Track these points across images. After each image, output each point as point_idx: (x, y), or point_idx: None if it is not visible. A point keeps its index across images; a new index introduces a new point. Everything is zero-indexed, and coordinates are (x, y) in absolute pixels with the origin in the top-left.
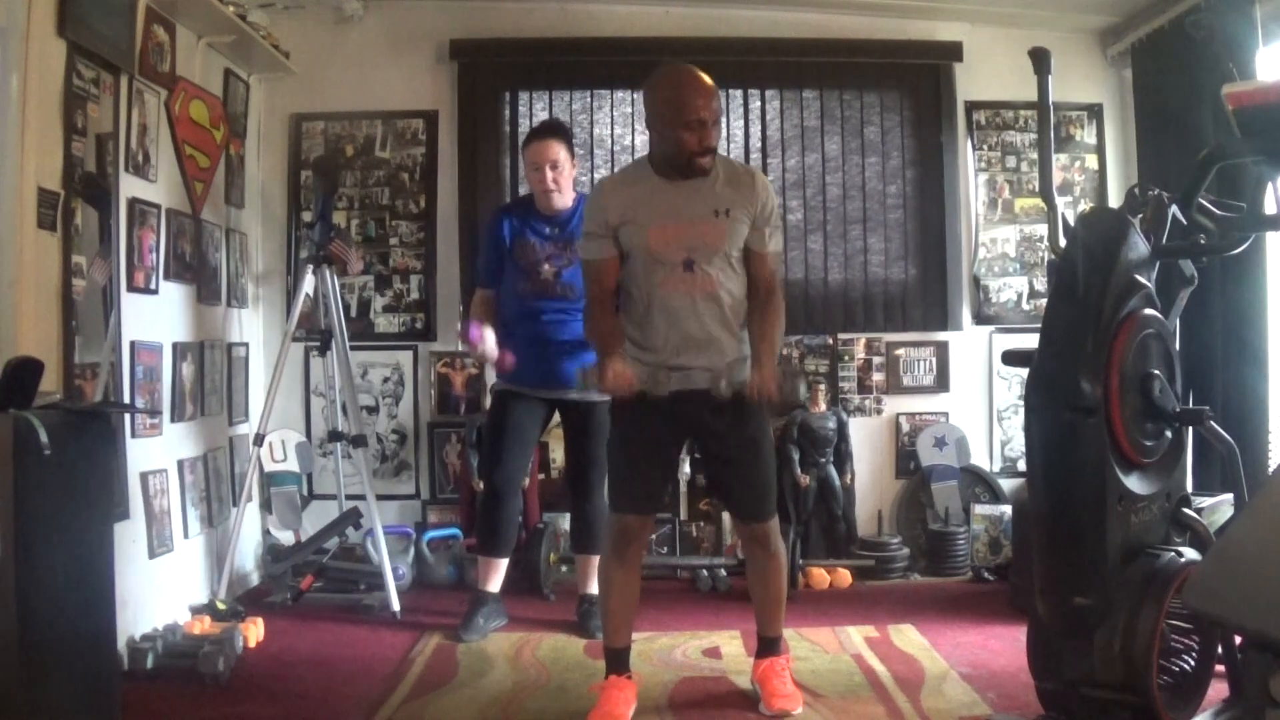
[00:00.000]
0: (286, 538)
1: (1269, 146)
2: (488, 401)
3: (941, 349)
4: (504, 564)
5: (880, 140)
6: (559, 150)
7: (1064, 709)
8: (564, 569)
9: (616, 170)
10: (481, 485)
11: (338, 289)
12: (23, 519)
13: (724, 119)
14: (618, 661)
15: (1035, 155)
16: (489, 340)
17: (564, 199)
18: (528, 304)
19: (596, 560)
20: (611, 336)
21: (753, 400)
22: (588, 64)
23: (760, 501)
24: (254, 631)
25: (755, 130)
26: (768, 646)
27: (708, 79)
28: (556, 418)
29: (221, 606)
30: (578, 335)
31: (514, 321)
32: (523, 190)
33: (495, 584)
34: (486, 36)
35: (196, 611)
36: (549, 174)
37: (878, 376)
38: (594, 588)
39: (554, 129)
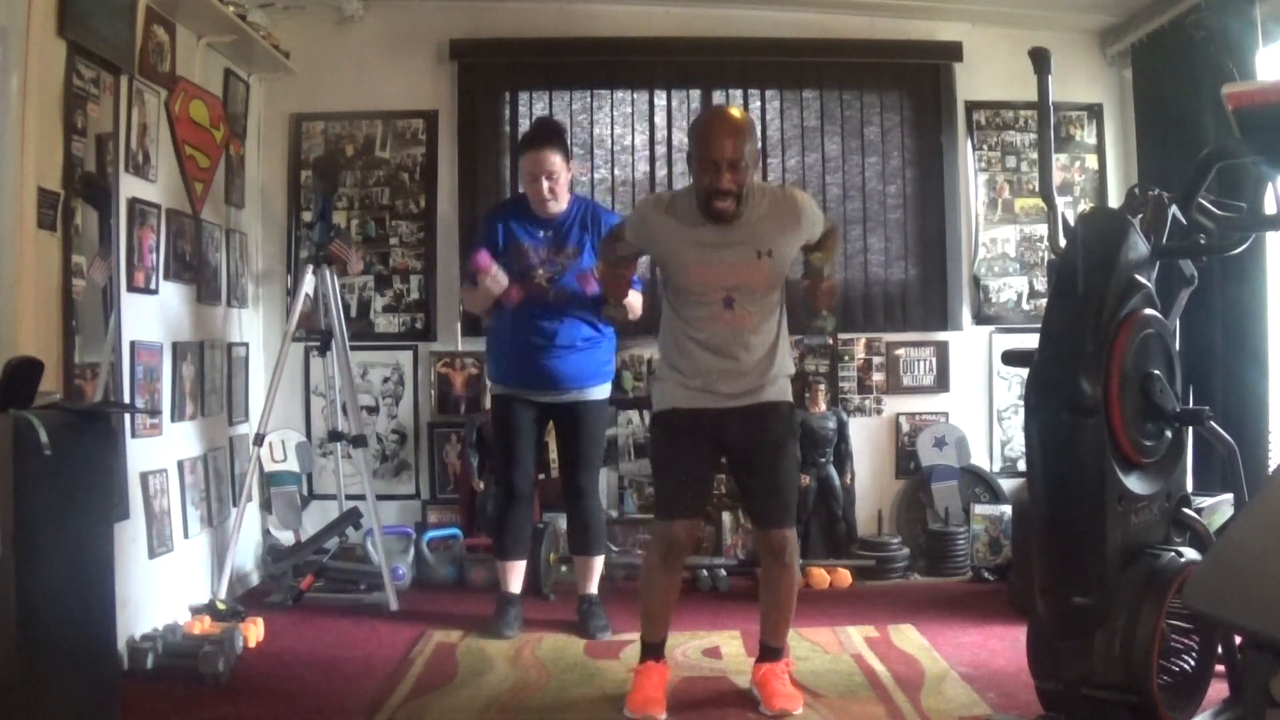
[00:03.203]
0: (286, 538)
1: (1269, 146)
2: (488, 402)
3: (941, 349)
4: (523, 565)
5: (880, 140)
6: (555, 159)
7: (1064, 709)
8: (564, 569)
9: (666, 191)
10: (483, 486)
11: (338, 289)
12: (23, 519)
13: (751, 160)
14: (655, 651)
15: (1035, 155)
16: (498, 268)
17: (560, 205)
18: (521, 309)
19: (595, 561)
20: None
21: (809, 295)
22: (588, 64)
23: (779, 507)
24: (254, 631)
25: None
26: (769, 654)
27: (739, 120)
28: None
29: (221, 606)
30: (571, 340)
31: (508, 325)
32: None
33: (517, 584)
34: (486, 36)
35: (196, 611)
36: (545, 184)
37: (878, 376)
38: (594, 588)
39: (548, 135)
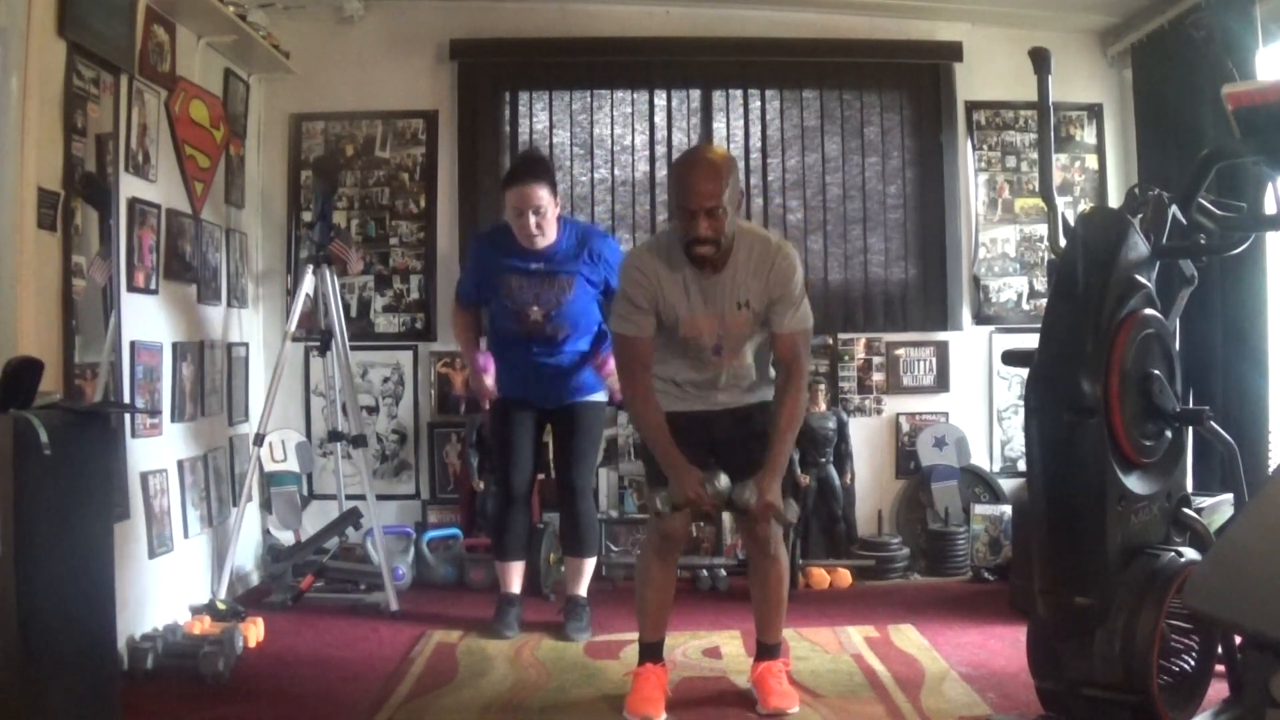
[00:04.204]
0: (286, 538)
1: (1269, 146)
2: (487, 402)
3: (941, 349)
4: (522, 565)
5: (880, 140)
6: (542, 193)
7: (1064, 709)
8: (564, 569)
9: (649, 240)
10: (483, 486)
11: (338, 289)
12: (23, 519)
13: (731, 204)
14: (653, 652)
15: (1035, 155)
16: (490, 378)
17: (547, 240)
18: (519, 341)
19: (584, 563)
20: (670, 443)
21: (751, 515)
22: (588, 64)
23: None
24: (254, 631)
25: (755, 130)
26: (766, 652)
27: (716, 164)
28: None
29: (221, 606)
30: (569, 362)
31: (505, 348)
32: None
33: (516, 585)
34: (486, 36)
35: (196, 611)
36: (532, 219)
37: (878, 376)
38: (582, 590)
39: (534, 170)
